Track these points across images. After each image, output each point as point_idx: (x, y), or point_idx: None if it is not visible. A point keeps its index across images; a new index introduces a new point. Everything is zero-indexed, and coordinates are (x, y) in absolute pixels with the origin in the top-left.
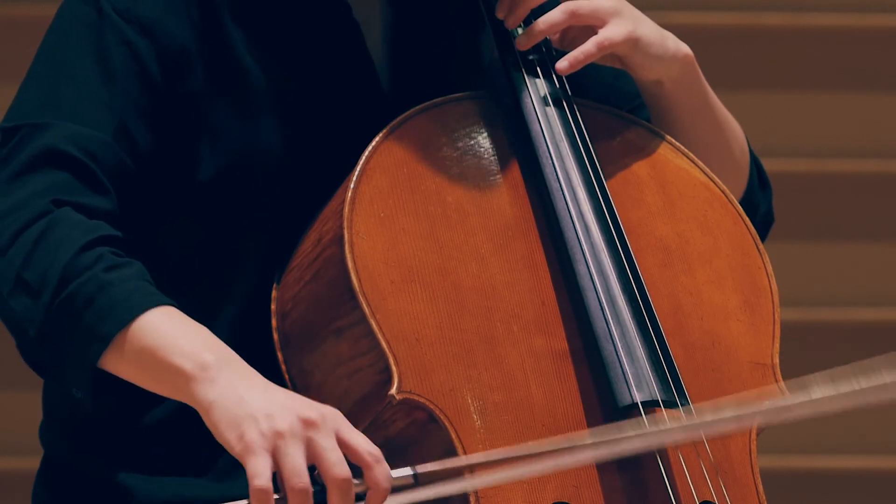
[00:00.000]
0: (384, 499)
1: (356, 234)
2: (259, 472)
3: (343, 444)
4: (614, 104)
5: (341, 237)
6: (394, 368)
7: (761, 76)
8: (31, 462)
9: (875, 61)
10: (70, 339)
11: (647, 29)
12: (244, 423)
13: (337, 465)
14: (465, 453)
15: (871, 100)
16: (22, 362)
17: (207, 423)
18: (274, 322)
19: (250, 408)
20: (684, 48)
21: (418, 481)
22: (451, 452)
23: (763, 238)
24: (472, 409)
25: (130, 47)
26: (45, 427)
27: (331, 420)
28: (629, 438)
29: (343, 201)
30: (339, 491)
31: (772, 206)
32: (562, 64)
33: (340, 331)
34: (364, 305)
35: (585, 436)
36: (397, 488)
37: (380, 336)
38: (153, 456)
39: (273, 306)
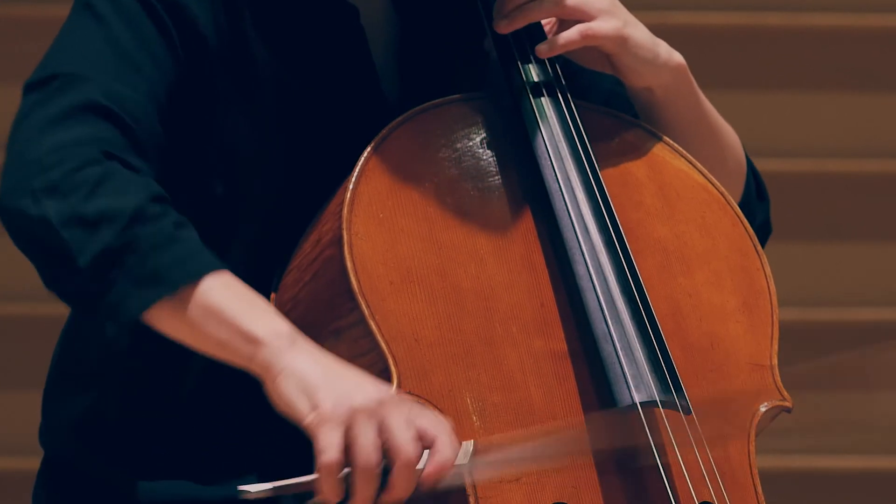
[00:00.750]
0: (442, 478)
1: (355, 235)
2: (331, 444)
3: (413, 426)
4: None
5: (340, 238)
6: (393, 369)
7: (761, 76)
8: (31, 462)
9: (875, 61)
10: (128, 277)
11: (638, 32)
12: (319, 392)
13: (408, 445)
14: None
15: (871, 100)
16: (22, 362)
17: (273, 390)
18: None
19: (327, 379)
20: (677, 57)
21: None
22: None
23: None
24: (471, 409)
25: (160, 22)
26: (45, 429)
27: (404, 402)
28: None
29: (342, 202)
30: (406, 470)
31: (769, 217)
32: (542, 46)
33: (340, 331)
34: (363, 306)
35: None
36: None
37: (379, 337)
38: (153, 457)
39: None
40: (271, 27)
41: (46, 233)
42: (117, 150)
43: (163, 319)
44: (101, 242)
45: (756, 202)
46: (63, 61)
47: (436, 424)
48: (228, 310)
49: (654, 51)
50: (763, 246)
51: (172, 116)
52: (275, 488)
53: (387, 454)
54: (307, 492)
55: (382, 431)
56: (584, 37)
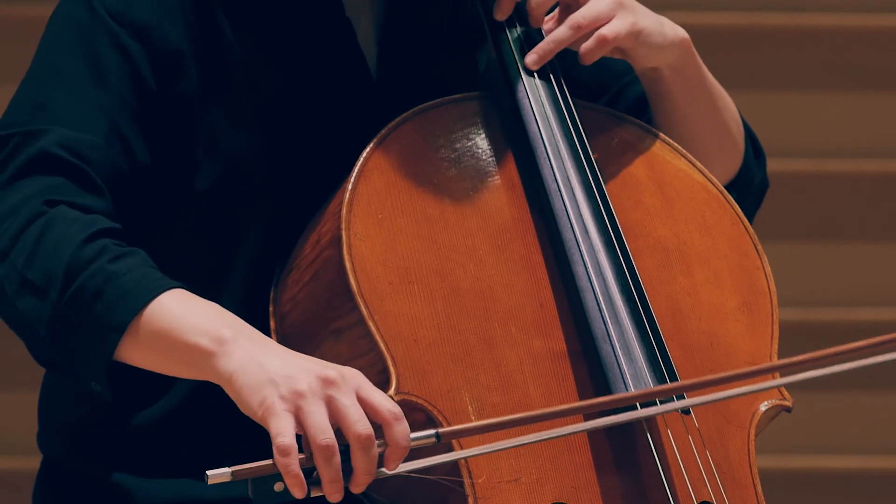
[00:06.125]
0: (402, 457)
1: (354, 236)
2: (281, 430)
3: (363, 403)
4: (606, 82)
5: (339, 238)
6: (392, 369)
7: (761, 76)
8: (31, 462)
9: (875, 61)
10: (83, 333)
11: (647, 20)
12: (265, 388)
13: (359, 422)
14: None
15: (871, 100)
16: (22, 362)
17: (231, 395)
18: (272, 323)
19: (269, 373)
20: (681, 33)
21: (440, 441)
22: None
23: (758, 207)
24: (470, 410)
25: (123, 51)
26: (42, 433)
27: (350, 379)
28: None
29: (341, 203)
30: (361, 448)
31: (766, 173)
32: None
33: (339, 332)
34: (362, 307)
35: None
36: (418, 450)
37: (378, 337)
38: (151, 457)
39: (271, 307)
40: (257, 28)
41: (8, 307)
42: (63, 195)
43: (128, 356)
44: (50, 306)
45: (754, 162)
46: (20, 118)
47: (386, 401)
48: (173, 330)
49: (662, 34)
50: (760, 204)
51: (160, 138)
52: (234, 472)
53: (342, 433)
54: (271, 475)
55: (332, 411)
56: (604, 43)
